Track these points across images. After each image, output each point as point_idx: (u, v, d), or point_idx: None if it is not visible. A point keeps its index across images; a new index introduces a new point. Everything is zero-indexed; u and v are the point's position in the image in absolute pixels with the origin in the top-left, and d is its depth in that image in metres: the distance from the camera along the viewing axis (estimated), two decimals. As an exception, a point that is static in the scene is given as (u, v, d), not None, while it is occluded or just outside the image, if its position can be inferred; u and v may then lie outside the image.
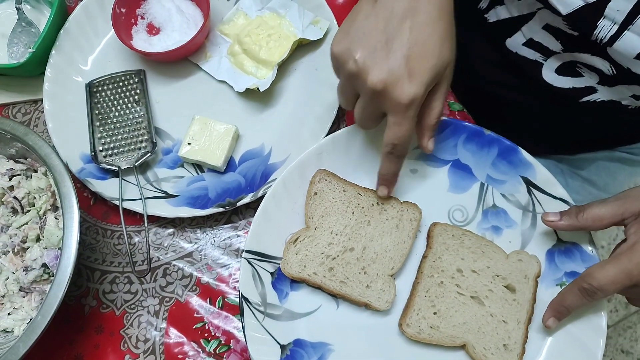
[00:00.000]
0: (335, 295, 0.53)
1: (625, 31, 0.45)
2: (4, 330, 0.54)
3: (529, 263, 0.52)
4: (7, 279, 0.55)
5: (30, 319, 0.53)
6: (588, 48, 0.51)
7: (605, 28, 0.46)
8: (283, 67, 0.63)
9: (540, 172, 0.54)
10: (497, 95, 0.68)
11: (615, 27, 0.45)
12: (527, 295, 0.51)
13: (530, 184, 0.54)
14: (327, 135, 0.57)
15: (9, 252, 0.55)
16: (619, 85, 0.54)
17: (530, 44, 0.57)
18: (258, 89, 0.60)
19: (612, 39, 0.46)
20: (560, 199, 0.53)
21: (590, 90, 0.56)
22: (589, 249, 0.52)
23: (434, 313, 0.51)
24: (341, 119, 0.62)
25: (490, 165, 0.55)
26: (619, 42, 0.46)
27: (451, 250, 0.53)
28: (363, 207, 0.54)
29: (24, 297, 0.55)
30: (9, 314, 0.54)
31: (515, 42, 0.59)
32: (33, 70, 0.64)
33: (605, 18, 0.45)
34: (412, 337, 0.50)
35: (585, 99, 0.57)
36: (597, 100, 0.56)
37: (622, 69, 0.49)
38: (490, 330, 0.51)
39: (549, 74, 0.58)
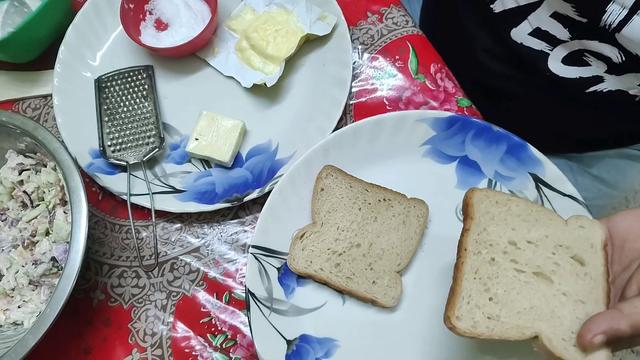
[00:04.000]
0: (341, 291, 0.53)
1: (635, 16, 0.45)
2: (14, 322, 0.55)
3: (592, 230, 0.43)
4: (16, 272, 0.55)
5: (40, 312, 0.54)
6: (597, 35, 0.51)
7: (614, 13, 0.46)
8: (290, 63, 0.63)
9: (549, 168, 0.53)
10: (503, 89, 0.67)
11: (625, 12, 0.45)
12: (600, 269, 0.41)
13: (539, 181, 0.54)
14: (334, 131, 0.57)
15: (18, 245, 0.56)
16: (627, 74, 0.53)
17: (536, 33, 0.56)
18: (265, 84, 0.60)
19: (621, 24, 0.46)
20: (569, 196, 0.52)
21: (598, 79, 0.55)
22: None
23: (490, 299, 0.40)
24: (348, 115, 0.62)
25: (498, 161, 0.55)
26: (627, 28, 0.45)
27: (497, 220, 0.43)
28: (370, 203, 0.54)
29: (33, 290, 0.55)
30: (18, 306, 0.55)
31: (521, 32, 0.58)
32: (20, 54, 0.64)
33: (615, 2, 0.45)
34: (466, 332, 0.39)
35: (592, 89, 0.56)
36: (604, 90, 0.56)
37: (631, 56, 0.49)
38: (566, 314, 0.40)
39: (555, 64, 0.57)
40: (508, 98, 0.68)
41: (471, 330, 0.39)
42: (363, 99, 0.62)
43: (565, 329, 0.40)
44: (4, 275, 0.55)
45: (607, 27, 0.47)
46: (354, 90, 0.63)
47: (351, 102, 0.62)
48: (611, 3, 0.45)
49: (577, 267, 0.42)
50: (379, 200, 0.54)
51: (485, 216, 0.43)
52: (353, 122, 0.59)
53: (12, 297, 0.55)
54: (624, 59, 0.51)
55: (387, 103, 0.62)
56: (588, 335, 0.36)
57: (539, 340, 0.39)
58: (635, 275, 0.38)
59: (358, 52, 0.64)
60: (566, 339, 0.39)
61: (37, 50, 0.66)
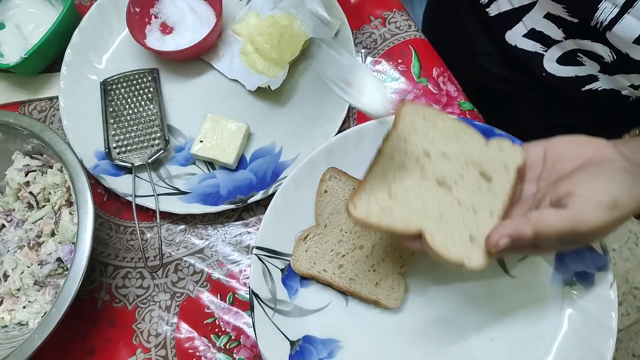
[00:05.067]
0: (344, 293, 0.53)
1: (625, 14, 0.45)
2: (19, 323, 0.55)
3: (511, 153, 0.44)
4: (22, 272, 0.56)
5: (45, 312, 0.54)
6: (589, 34, 0.52)
7: (606, 10, 0.46)
8: (294, 66, 0.64)
9: (551, 171, 0.54)
10: (504, 92, 0.68)
11: (616, 10, 0.46)
12: (506, 187, 0.43)
13: (540, 183, 0.54)
14: (337, 133, 0.58)
15: (24, 246, 0.56)
16: (617, 75, 0.54)
17: (531, 34, 0.57)
18: (269, 87, 0.60)
19: (612, 23, 0.46)
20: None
21: (592, 78, 0.56)
22: (599, 249, 0.52)
23: (389, 196, 0.43)
24: (351, 118, 0.63)
25: (500, 164, 0.55)
26: (618, 26, 0.46)
27: (420, 133, 0.45)
28: (373, 205, 0.54)
29: (38, 290, 0.56)
30: (24, 307, 0.55)
31: (516, 35, 0.59)
32: (33, 70, 0.67)
33: (607, 0, 0.46)
34: (359, 220, 0.42)
35: (587, 87, 0.57)
36: (599, 89, 0.57)
37: (622, 55, 0.50)
38: (455, 220, 0.42)
39: (551, 65, 0.58)
40: (509, 101, 0.68)
41: (364, 218, 0.41)
42: (366, 102, 0.63)
43: (450, 230, 0.41)
44: (9, 276, 0.56)
45: (598, 25, 0.48)
46: (357, 93, 0.63)
47: (354, 105, 0.63)
48: (603, 1, 0.46)
49: (482, 183, 0.43)
50: (382, 202, 0.55)
51: (409, 127, 0.45)
52: (356, 124, 0.59)
53: (18, 297, 0.56)
54: (615, 57, 0.51)
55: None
56: (495, 237, 0.38)
57: (422, 237, 0.41)
58: (552, 190, 0.40)
59: (361, 56, 0.65)
60: (448, 238, 0.41)
61: (47, 63, 0.68)
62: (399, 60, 0.64)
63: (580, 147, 0.42)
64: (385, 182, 0.43)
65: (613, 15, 0.46)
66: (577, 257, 0.53)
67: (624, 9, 0.45)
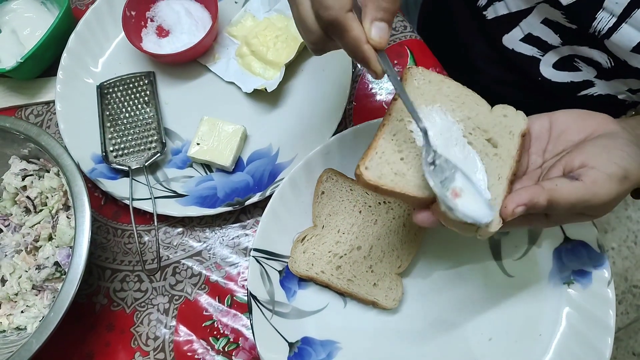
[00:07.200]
0: (342, 294, 0.53)
1: (623, 24, 0.46)
2: (17, 327, 0.55)
3: (514, 119, 0.45)
4: (20, 277, 0.56)
5: (43, 317, 0.54)
6: (586, 41, 0.52)
7: (603, 20, 0.47)
8: (290, 68, 0.64)
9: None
10: (498, 93, 0.68)
11: (614, 20, 0.46)
12: (512, 151, 0.43)
13: (537, 183, 0.54)
14: (334, 135, 0.58)
15: (22, 250, 0.56)
16: (614, 80, 0.54)
17: (528, 39, 0.57)
18: (266, 89, 0.60)
19: (610, 32, 0.47)
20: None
21: (588, 84, 0.56)
22: (596, 247, 0.52)
23: (401, 159, 0.42)
24: (348, 119, 0.63)
25: (496, 163, 0.56)
26: (616, 35, 0.46)
27: (426, 96, 0.45)
28: (370, 206, 0.55)
29: (36, 295, 0.55)
30: (22, 311, 0.55)
31: (513, 39, 0.59)
32: (30, 75, 0.67)
33: (604, 10, 0.46)
34: (370, 181, 0.40)
35: (583, 92, 0.57)
36: (595, 95, 0.57)
37: (619, 62, 0.50)
38: None
39: (547, 70, 0.58)
40: (505, 101, 0.68)
41: (376, 180, 0.40)
42: (362, 103, 0.63)
43: None
44: (7, 281, 0.56)
45: (596, 33, 0.48)
46: (353, 94, 0.63)
47: (350, 106, 0.63)
48: (601, 10, 0.46)
49: (489, 148, 0.44)
50: (379, 203, 0.55)
51: (415, 90, 0.45)
52: (352, 125, 0.59)
53: (16, 302, 0.56)
54: (613, 64, 0.52)
55: (386, 107, 0.63)
56: (511, 206, 0.39)
57: (436, 202, 0.40)
58: (562, 160, 0.42)
59: (357, 57, 0.65)
60: None
61: (44, 67, 0.68)
62: (395, 61, 0.64)
63: (584, 120, 0.43)
64: (396, 144, 0.42)
65: (611, 24, 0.46)
66: (574, 255, 0.53)
67: (622, 19, 0.46)
